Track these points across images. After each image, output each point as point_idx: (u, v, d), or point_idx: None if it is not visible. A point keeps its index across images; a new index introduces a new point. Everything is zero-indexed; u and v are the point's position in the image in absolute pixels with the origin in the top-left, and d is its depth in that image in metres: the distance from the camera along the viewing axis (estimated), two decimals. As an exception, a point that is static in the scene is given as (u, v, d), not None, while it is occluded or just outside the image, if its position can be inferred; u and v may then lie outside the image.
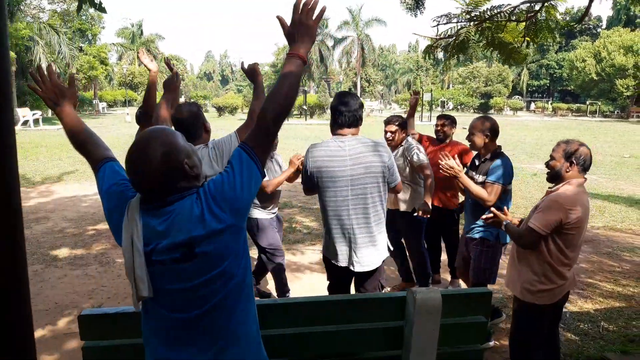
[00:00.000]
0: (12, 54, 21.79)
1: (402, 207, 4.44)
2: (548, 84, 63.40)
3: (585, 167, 2.72)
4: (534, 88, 65.01)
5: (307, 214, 7.78)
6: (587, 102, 46.97)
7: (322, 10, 1.60)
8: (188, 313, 1.48)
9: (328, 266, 3.09)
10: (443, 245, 5.06)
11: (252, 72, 2.75)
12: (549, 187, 2.88)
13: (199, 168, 1.53)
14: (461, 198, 4.54)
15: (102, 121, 29.04)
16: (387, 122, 4.41)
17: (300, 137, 20.84)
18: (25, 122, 22.83)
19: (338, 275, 3.06)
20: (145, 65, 3.06)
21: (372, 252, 2.91)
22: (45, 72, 1.77)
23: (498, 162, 3.50)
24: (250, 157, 1.48)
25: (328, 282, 3.20)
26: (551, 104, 53.36)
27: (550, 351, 2.95)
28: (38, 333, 3.86)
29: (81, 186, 9.94)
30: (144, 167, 1.43)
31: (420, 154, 4.25)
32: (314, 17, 1.58)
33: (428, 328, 1.87)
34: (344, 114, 2.84)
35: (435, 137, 4.84)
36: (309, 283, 5.01)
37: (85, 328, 1.77)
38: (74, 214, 7.74)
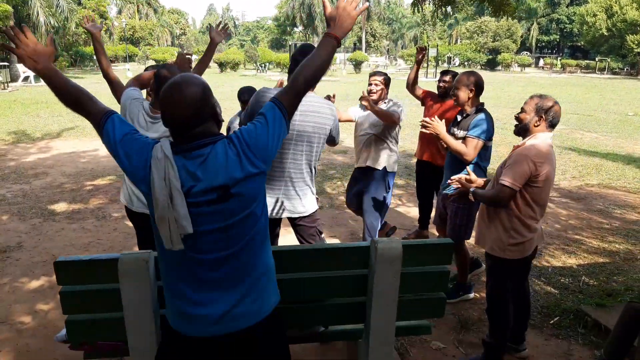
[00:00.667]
0: (9, 8, 21.41)
1: (367, 162, 4.28)
2: (558, 40, 61.95)
3: (553, 123, 2.73)
4: (543, 44, 63.60)
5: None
6: (597, 59, 46.01)
7: (364, 7, 1.80)
8: (217, 253, 1.57)
9: None
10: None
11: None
12: (515, 144, 2.89)
13: (222, 118, 1.67)
14: None
15: (102, 77, 28.78)
16: (373, 74, 4.31)
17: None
18: (26, 78, 22.66)
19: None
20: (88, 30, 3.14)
21: (303, 202, 2.97)
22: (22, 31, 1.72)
23: (481, 116, 3.48)
24: (282, 113, 1.62)
25: None
26: (560, 60, 52.28)
27: (520, 303, 3.03)
28: (36, 283, 4.02)
29: (80, 142, 10.01)
30: (180, 96, 1.51)
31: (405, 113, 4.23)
32: (356, 9, 1.74)
33: (389, 276, 1.95)
34: None
35: (437, 92, 4.76)
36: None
37: (61, 274, 1.86)
38: (72, 169, 7.84)
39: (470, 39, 51.43)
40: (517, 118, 2.82)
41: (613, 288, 4.01)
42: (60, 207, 5.96)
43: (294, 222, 3.06)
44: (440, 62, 46.96)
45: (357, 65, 40.12)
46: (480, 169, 3.54)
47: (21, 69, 22.29)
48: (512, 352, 3.11)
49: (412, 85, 4.89)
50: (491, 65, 47.28)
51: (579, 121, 14.10)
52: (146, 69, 3.92)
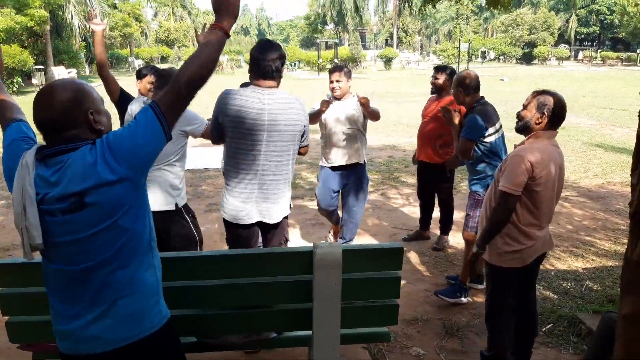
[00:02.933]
0: (45, 13, 22.17)
1: (353, 159, 4.22)
2: (598, 32, 59.59)
3: (557, 121, 2.54)
4: (582, 36, 61.28)
5: (314, 170, 7.79)
6: (638, 51, 44.05)
7: None
8: (79, 266, 1.48)
9: (230, 229, 2.94)
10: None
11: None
12: (516, 143, 2.74)
13: (104, 126, 1.55)
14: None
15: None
16: (333, 70, 4.18)
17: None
18: (62, 81, 23.41)
19: (243, 236, 2.92)
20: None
21: (278, 207, 2.84)
22: None
23: (470, 117, 3.55)
24: (156, 115, 1.47)
25: (227, 247, 3.07)
26: (600, 52, 50.31)
27: (525, 316, 2.82)
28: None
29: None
30: (49, 99, 1.47)
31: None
32: None
33: (330, 282, 1.88)
34: (260, 64, 2.67)
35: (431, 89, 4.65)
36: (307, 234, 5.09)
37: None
38: None
39: (505, 32, 50.10)
40: (518, 115, 2.65)
41: (616, 294, 3.79)
42: None
43: (263, 227, 2.93)
44: (473, 57, 46.01)
45: (388, 62, 39.71)
46: (494, 168, 3.47)
47: (56, 72, 23.05)
48: None
49: None
50: (527, 59, 45.92)
51: (611, 116, 13.51)
52: (138, 72, 3.98)
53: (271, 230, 2.93)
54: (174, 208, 3.01)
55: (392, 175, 7.50)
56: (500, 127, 3.60)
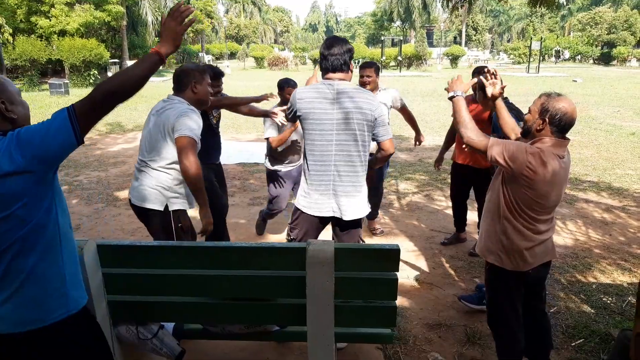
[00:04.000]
0: (122, 9, 23.48)
1: None
2: (690, 30, 54.98)
3: (560, 128, 2.35)
4: (671, 35, 56.77)
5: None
6: None
7: (189, 23, 1.72)
8: None
9: (300, 218, 2.98)
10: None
11: None
12: None
13: (16, 115, 1.62)
14: None
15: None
16: (364, 66, 4.40)
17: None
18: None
19: (313, 228, 2.97)
20: None
21: (356, 202, 2.85)
22: None
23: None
24: (69, 118, 1.51)
25: (291, 237, 3.05)
26: (690, 52, 46.39)
27: (535, 326, 2.68)
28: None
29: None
30: None
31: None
32: (181, 24, 1.68)
33: (321, 279, 1.89)
34: (328, 59, 2.77)
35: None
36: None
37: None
38: (147, 159, 8.43)
39: (582, 31, 47.38)
40: (523, 120, 2.51)
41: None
42: (125, 193, 6.45)
43: (337, 223, 2.95)
44: (546, 57, 43.91)
45: (454, 60, 38.74)
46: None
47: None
48: None
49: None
50: (605, 59, 43.17)
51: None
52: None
53: (346, 229, 2.95)
54: (161, 209, 2.91)
55: (440, 177, 7.34)
56: None
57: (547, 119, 2.33)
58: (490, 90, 2.80)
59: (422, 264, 4.43)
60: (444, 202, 6.21)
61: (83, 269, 1.90)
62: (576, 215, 5.62)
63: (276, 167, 4.37)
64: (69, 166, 7.80)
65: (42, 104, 15.45)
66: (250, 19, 69.52)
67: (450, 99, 2.62)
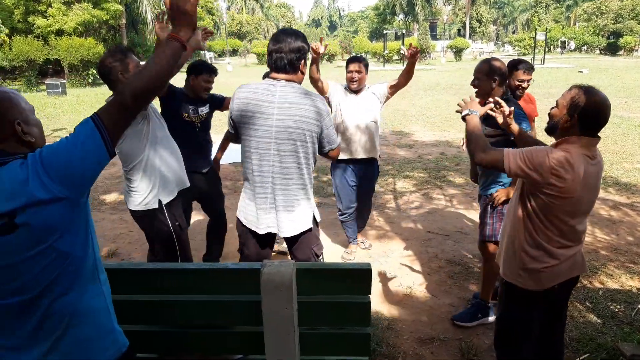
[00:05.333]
0: (120, 7, 23.24)
1: (371, 154, 4.14)
2: (698, 18, 54.09)
3: (592, 126, 2.05)
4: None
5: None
6: None
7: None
8: (12, 298, 1.34)
9: (242, 232, 2.68)
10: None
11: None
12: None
13: (34, 137, 1.43)
14: None
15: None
16: (352, 60, 4.02)
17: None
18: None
19: (253, 243, 2.67)
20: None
21: (292, 218, 2.52)
22: None
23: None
24: (98, 128, 1.34)
25: (239, 252, 2.78)
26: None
27: (547, 349, 2.41)
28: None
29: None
30: None
31: None
32: (190, 2, 1.48)
33: (279, 305, 1.63)
34: (272, 56, 2.41)
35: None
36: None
37: None
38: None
39: (587, 21, 46.67)
40: (549, 114, 2.20)
41: (674, 322, 3.25)
42: (110, 197, 6.22)
43: (287, 239, 2.65)
44: (552, 48, 43.29)
45: (458, 52, 38.25)
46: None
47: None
48: None
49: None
50: (612, 49, 42.47)
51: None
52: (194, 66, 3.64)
53: (294, 244, 2.65)
54: (142, 209, 2.92)
55: (440, 174, 7.06)
56: None
57: (577, 115, 2.04)
58: (500, 121, 2.68)
59: (417, 269, 4.16)
60: (442, 202, 5.93)
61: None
62: (581, 213, 5.33)
63: None
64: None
65: (39, 105, 15.26)
66: (252, 15, 69.18)
67: (464, 118, 2.43)
